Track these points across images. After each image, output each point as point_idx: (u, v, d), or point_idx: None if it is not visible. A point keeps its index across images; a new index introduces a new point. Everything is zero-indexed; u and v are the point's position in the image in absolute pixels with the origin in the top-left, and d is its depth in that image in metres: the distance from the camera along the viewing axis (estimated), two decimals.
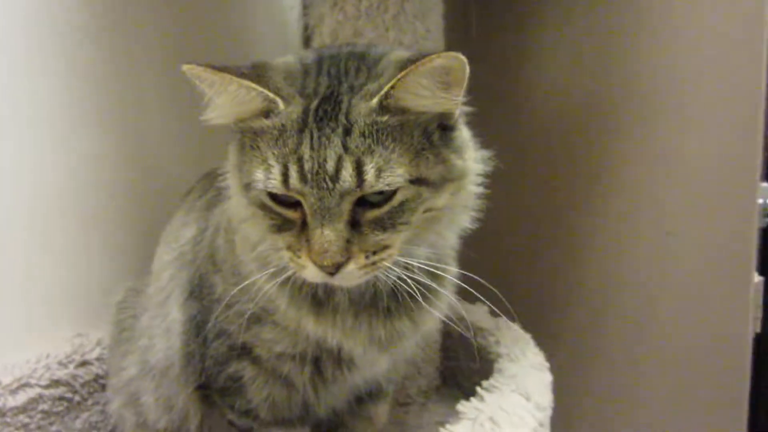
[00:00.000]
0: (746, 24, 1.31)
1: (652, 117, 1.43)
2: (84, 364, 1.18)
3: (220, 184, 0.92)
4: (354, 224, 0.68)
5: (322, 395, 0.91)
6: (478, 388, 1.02)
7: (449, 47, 1.16)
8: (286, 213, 0.70)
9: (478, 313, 1.34)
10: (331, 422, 1.05)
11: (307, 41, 1.43)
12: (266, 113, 0.69)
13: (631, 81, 1.45)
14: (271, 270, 0.76)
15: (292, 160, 0.66)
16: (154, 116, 1.34)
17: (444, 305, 0.87)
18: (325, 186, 0.65)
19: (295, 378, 0.87)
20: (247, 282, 0.80)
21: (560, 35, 1.53)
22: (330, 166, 0.65)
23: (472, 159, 0.77)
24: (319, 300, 0.80)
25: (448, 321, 0.90)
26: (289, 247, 0.71)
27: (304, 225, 0.69)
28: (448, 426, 0.90)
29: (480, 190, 0.79)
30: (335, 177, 0.65)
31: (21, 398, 1.07)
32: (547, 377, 1.09)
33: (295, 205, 0.69)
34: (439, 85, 0.67)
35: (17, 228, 1.15)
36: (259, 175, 0.68)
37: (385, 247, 0.70)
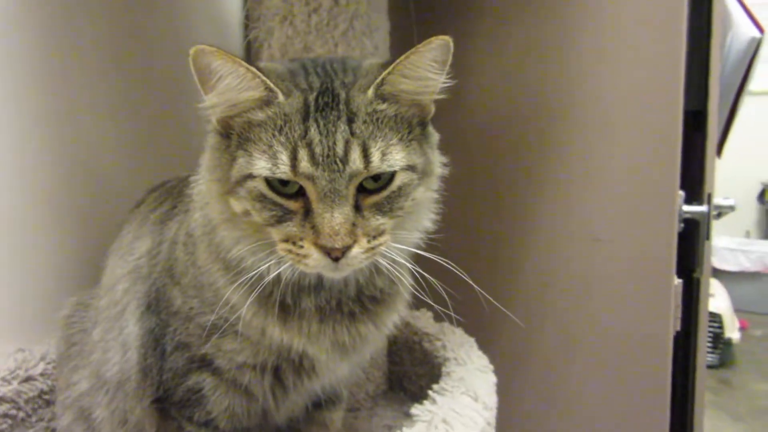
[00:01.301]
0: (665, 41, 1.41)
1: (580, 129, 1.51)
2: (28, 379, 1.15)
3: (180, 196, 0.94)
4: (356, 209, 0.73)
5: (281, 404, 0.93)
6: (429, 392, 1.07)
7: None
8: (286, 203, 0.73)
9: (423, 319, 1.40)
10: (288, 429, 1.07)
11: (248, 52, 1.45)
12: (263, 105, 0.73)
13: (560, 94, 1.53)
14: (244, 275, 0.78)
15: (302, 145, 0.70)
16: (101, 126, 1.32)
17: (402, 307, 0.91)
18: (336, 168, 0.70)
19: (255, 388, 0.89)
20: (210, 291, 0.82)
21: (494, 50, 1.60)
22: (339, 149, 0.70)
23: (437, 160, 0.83)
24: (287, 307, 0.83)
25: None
26: (287, 239, 0.73)
27: (306, 213, 0.72)
28: (404, 429, 0.94)
29: (436, 195, 0.85)
30: (345, 159, 0.70)
31: None
32: (492, 379, 1.16)
33: (296, 195, 0.72)
34: (434, 65, 0.74)
35: None
36: (262, 163, 0.71)
37: (382, 233, 0.75)
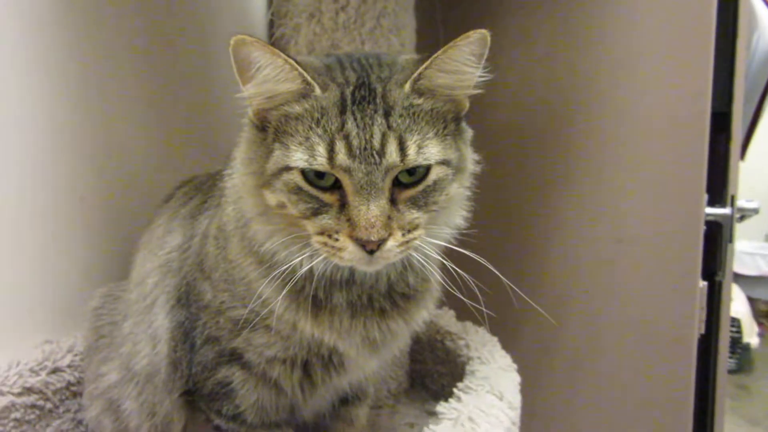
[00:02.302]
0: (694, 42, 1.40)
1: (605, 130, 1.51)
2: (55, 371, 1.15)
3: (210, 191, 0.95)
4: (392, 202, 0.73)
5: (309, 398, 0.93)
6: (454, 390, 1.07)
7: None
8: (322, 196, 0.73)
9: (445, 318, 1.40)
10: (314, 425, 1.07)
11: (272, 44, 1.45)
12: (299, 98, 0.73)
13: (585, 94, 1.52)
14: (276, 269, 0.78)
15: (339, 138, 0.71)
16: (130, 123, 1.33)
17: (432, 304, 0.92)
18: (372, 161, 0.70)
19: (284, 382, 0.90)
20: (242, 285, 0.82)
21: (521, 48, 1.59)
22: (376, 141, 0.71)
23: (471, 157, 0.83)
24: (318, 301, 0.83)
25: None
26: (322, 232, 0.73)
27: (342, 206, 0.72)
28: (431, 426, 0.94)
29: (468, 192, 0.85)
30: (381, 152, 0.71)
31: None
32: (516, 378, 1.15)
33: (331, 188, 0.73)
34: (471, 58, 0.74)
35: None
36: (299, 155, 0.72)
37: (416, 227, 0.75)
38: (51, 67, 1.18)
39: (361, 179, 0.71)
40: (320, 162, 0.71)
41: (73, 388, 1.18)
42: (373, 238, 0.70)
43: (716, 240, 1.62)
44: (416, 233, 0.75)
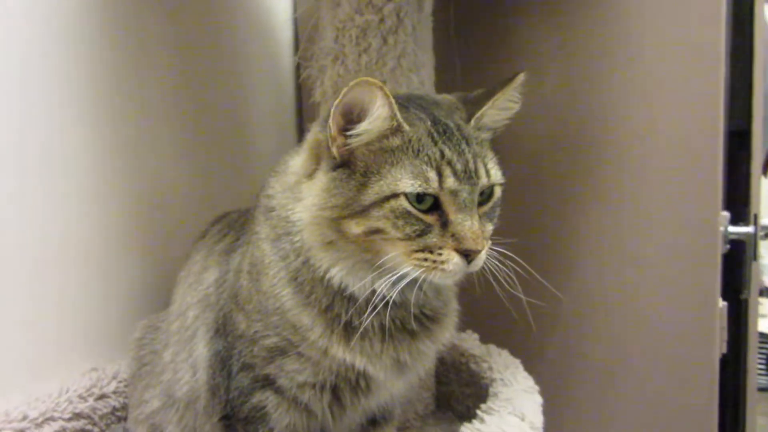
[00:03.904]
0: (706, 60, 1.43)
1: (619, 152, 1.54)
2: (102, 397, 1.23)
3: (243, 229, 1.03)
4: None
5: (338, 421, 0.99)
6: (477, 411, 1.11)
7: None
8: (425, 218, 0.82)
9: (469, 341, 1.45)
10: None
11: (299, 85, 1.53)
12: (392, 133, 0.82)
13: (600, 117, 1.56)
14: (338, 297, 0.89)
15: (444, 164, 0.81)
16: (168, 159, 1.42)
17: (452, 325, 0.99)
18: (473, 182, 0.83)
19: (315, 405, 0.95)
20: (276, 315, 0.90)
21: (534, 84, 1.64)
22: (471, 165, 0.83)
23: None
24: (351, 327, 0.89)
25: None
26: (423, 249, 0.82)
27: (442, 225, 0.82)
28: None
29: None
30: (477, 174, 0.83)
31: (47, 431, 1.13)
32: (538, 399, 1.19)
33: (429, 210, 0.82)
34: (517, 96, 0.91)
35: (33, 265, 1.19)
36: (409, 181, 0.81)
37: (488, 238, 0.87)
38: (93, 106, 1.27)
39: (465, 198, 0.82)
40: (433, 186, 0.81)
41: (118, 413, 1.26)
42: (479, 247, 0.81)
43: (740, 258, 1.64)
44: (489, 243, 0.87)
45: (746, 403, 1.72)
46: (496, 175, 0.87)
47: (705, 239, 1.47)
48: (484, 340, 1.44)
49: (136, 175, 1.36)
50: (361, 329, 0.88)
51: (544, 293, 1.68)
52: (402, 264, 0.83)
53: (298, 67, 1.43)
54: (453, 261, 0.81)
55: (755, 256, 1.66)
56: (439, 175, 0.81)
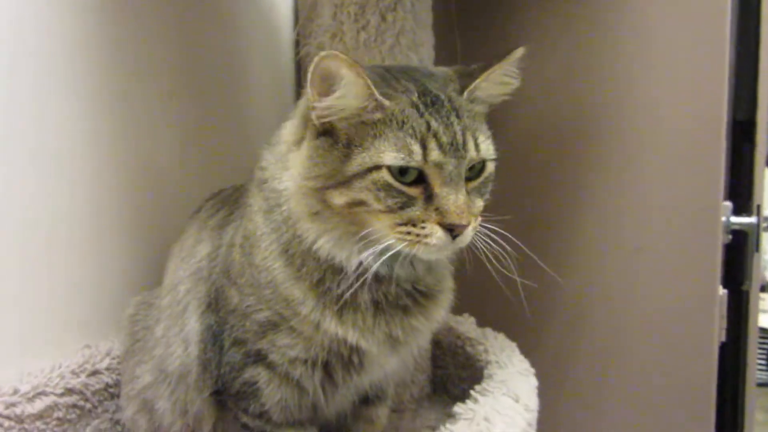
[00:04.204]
0: (708, 50, 1.43)
1: (621, 140, 1.53)
2: (95, 373, 1.22)
3: (236, 204, 1.02)
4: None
5: (330, 398, 0.98)
6: (471, 392, 1.10)
7: None
8: (409, 191, 0.80)
9: (465, 324, 1.44)
10: (337, 424, 1.12)
11: (298, 62, 1.52)
12: (372, 108, 0.80)
13: (600, 105, 1.55)
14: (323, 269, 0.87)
15: (429, 137, 0.79)
16: (163, 136, 1.40)
17: (448, 303, 0.98)
18: (459, 155, 0.80)
19: (306, 382, 0.94)
20: (268, 289, 0.89)
21: (537, 66, 1.61)
22: (459, 138, 0.80)
23: None
24: (345, 301, 0.88)
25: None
26: (408, 222, 0.80)
27: (426, 199, 0.80)
28: (447, 425, 0.98)
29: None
30: (465, 147, 0.80)
31: (38, 406, 1.11)
32: (533, 382, 1.18)
33: (414, 183, 0.80)
34: (515, 71, 0.87)
35: (27, 243, 1.18)
36: (393, 154, 0.78)
37: (478, 215, 0.85)
38: (91, 85, 1.25)
39: (451, 172, 0.79)
40: (416, 159, 0.78)
41: (111, 390, 1.24)
42: (463, 222, 0.79)
43: (743, 249, 1.63)
44: (479, 220, 0.85)
45: (745, 395, 1.71)
46: (487, 150, 0.84)
47: (706, 227, 1.47)
48: (481, 324, 1.43)
49: (129, 151, 1.34)
50: (348, 300, 0.87)
51: (542, 278, 1.67)
52: (386, 237, 0.81)
53: (297, 45, 1.42)
54: (436, 235, 0.79)
55: (757, 247, 1.65)
56: (424, 147, 0.78)
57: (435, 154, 0.78)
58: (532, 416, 1.08)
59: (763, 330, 3.23)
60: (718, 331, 1.46)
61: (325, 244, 0.86)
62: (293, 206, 0.88)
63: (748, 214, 1.61)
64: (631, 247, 1.55)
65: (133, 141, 1.35)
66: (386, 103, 0.80)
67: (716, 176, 1.45)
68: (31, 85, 1.16)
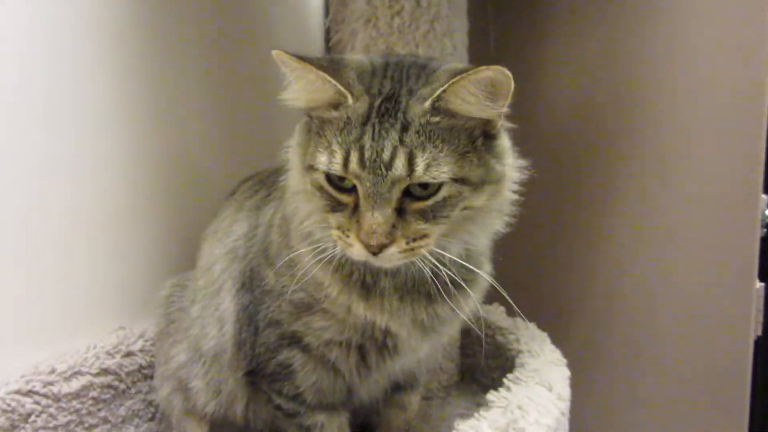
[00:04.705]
0: (750, 37, 1.39)
1: (658, 129, 1.51)
2: (129, 354, 1.24)
3: (274, 185, 1.02)
4: (400, 212, 0.76)
5: (364, 381, 0.98)
6: (504, 380, 1.10)
7: (471, 62, 1.26)
8: (340, 197, 0.78)
9: (496, 314, 1.43)
10: (368, 409, 1.12)
11: (329, 49, 1.52)
12: (335, 105, 0.78)
13: (638, 92, 1.53)
14: (314, 245, 0.85)
15: (354, 148, 0.75)
16: (196, 124, 1.42)
17: (479, 294, 0.95)
18: (380, 173, 0.74)
19: (341, 364, 0.94)
20: (302, 270, 0.88)
21: (572, 50, 1.62)
22: (386, 155, 0.74)
23: (511, 166, 0.85)
24: (368, 286, 0.88)
25: (469, 322, 0.96)
26: (338, 227, 0.79)
27: (355, 208, 0.77)
28: (481, 412, 0.97)
29: (515, 197, 0.88)
30: (389, 165, 0.74)
31: (74, 385, 1.14)
32: (566, 372, 1.17)
33: (350, 190, 0.77)
34: (485, 94, 0.74)
35: (66, 229, 1.21)
36: (322, 158, 0.77)
37: (424, 236, 0.78)
38: (128, 75, 1.28)
39: (369, 188, 0.75)
40: (336, 168, 0.76)
41: (144, 371, 1.27)
42: (372, 243, 0.75)
43: None
44: (423, 242, 0.78)
45: None
46: (432, 172, 0.74)
47: (744, 220, 1.44)
48: (511, 315, 1.42)
49: (166, 135, 1.36)
50: (371, 285, 0.88)
51: (574, 268, 1.66)
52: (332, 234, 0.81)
53: (328, 32, 1.41)
54: (356, 247, 0.77)
55: None
56: (346, 157, 0.75)
57: (353, 167, 0.75)
58: (566, 405, 1.06)
59: None
60: (753, 325, 1.43)
61: (313, 227, 0.86)
62: (290, 182, 0.90)
63: None
64: (667, 237, 1.52)
65: (166, 128, 1.37)
66: (349, 99, 0.77)
67: (756, 169, 1.42)
68: (71, 72, 1.19)
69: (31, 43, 1.12)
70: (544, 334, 1.32)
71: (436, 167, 0.74)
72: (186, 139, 1.41)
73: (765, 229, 1.52)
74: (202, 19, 1.43)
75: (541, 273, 1.71)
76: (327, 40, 1.54)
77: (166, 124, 1.36)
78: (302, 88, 0.78)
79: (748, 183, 1.43)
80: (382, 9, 1.26)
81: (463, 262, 0.85)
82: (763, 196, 1.47)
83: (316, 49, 1.69)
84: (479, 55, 1.41)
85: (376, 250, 0.75)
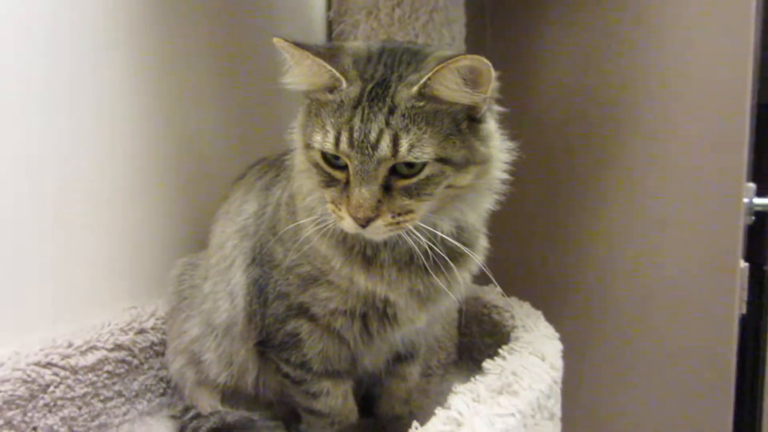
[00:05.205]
0: (733, 32, 1.45)
1: (647, 117, 1.57)
2: (141, 331, 1.29)
3: (282, 166, 1.08)
4: (387, 189, 0.83)
5: (367, 349, 1.04)
6: (499, 350, 1.15)
7: (468, 52, 1.31)
8: (333, 173, 0.86)
9: (492, 293, 1.49)
10: (371, 380, 1.18)
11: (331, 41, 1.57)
12: (331, 88, 0.85)
13: (628, 83, 1.58)
14: (316, 218, 0.92)
15: (345, 129, 0.82)
16: (204, 111, 1.47)
17: (474, 267, 1.01)
18: (367, 152, 0.81)
19: (346, 332, 1.00)
20: (308, 244, 0.94)
21: (567, 39, 1.67)
22: (373, 136, 0.80)
23: (497, 148, 0.91)
24: (368, 258, 0.94)
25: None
26: (332, 201, 0.86)
27: (347, 184, 0.84)
28: (477, 377, 1.03)
29: (504, 176, 0.94)
30: (375, 146, 0.80)
31: (90, 359, 1.19)
32: (558, 345, 1.22)
33: (343, 168, 0.84)
34: (466, 81, 0.81)
35: (84, 214, 1.26)
36: (317, 137, 0.84)
37: (409, 212, 0.84)
38: (139, 65, 1.33)
39: (357, 166, 0.81)
40: (328, 147, 0.83)
41: (156, 348, 1.32)
42: (359, 216, 0.82)
43: (765, 230, 1.66)
44: (408, 216, 0.84)
45: (766, 375, 1.74)
46: (415, 153, 0.80)
47: (728, 203, 1.50)
48: (506, 294, 1.48)
49: (176, 116, 1.42)
50: (371, 257, 0.94)
51: (568, 252, 1.72)
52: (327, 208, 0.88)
53: (330, 24, 1.47)
54: (346, 220, 0.83)
55: None
56: (338, 137, 0.82)
57: (343, 146, 0.81)
58: (558, 375, 1.12)
59: None
60: (738, 302, 1.49)
61: (312, 201, 0.94)
62: (295, 161, 0.97)
63: None
64: (656, 222, 1.58)
65: (180, 114, 1.42)
66: (344, 83, 0.83)
67: (740, 158, 1.48)
68: (92, 61, 1.24)
69: (56, 33, 1.18)
70: (539, 312, 1.37)
71: (419, 148, 0.80)
72: (195, 126, 1.47)
73: (752, 217, 1.58)
74: (209, 15, 1.49)
75: (535, 254, 1.77)
76: (329, 32, 1.60)
77: (179, 112, 1.42)
78: (301, 72, 0.86)
79: (732, 172, 1.49)
80: (383, 1, 1.31)
81: (454, 241, 0.92)
82: (748, 184, 1.53)
83: (319, 41, 1.74)
84: (476, 46, 1.47)
85: (363, 223, 0.82)
